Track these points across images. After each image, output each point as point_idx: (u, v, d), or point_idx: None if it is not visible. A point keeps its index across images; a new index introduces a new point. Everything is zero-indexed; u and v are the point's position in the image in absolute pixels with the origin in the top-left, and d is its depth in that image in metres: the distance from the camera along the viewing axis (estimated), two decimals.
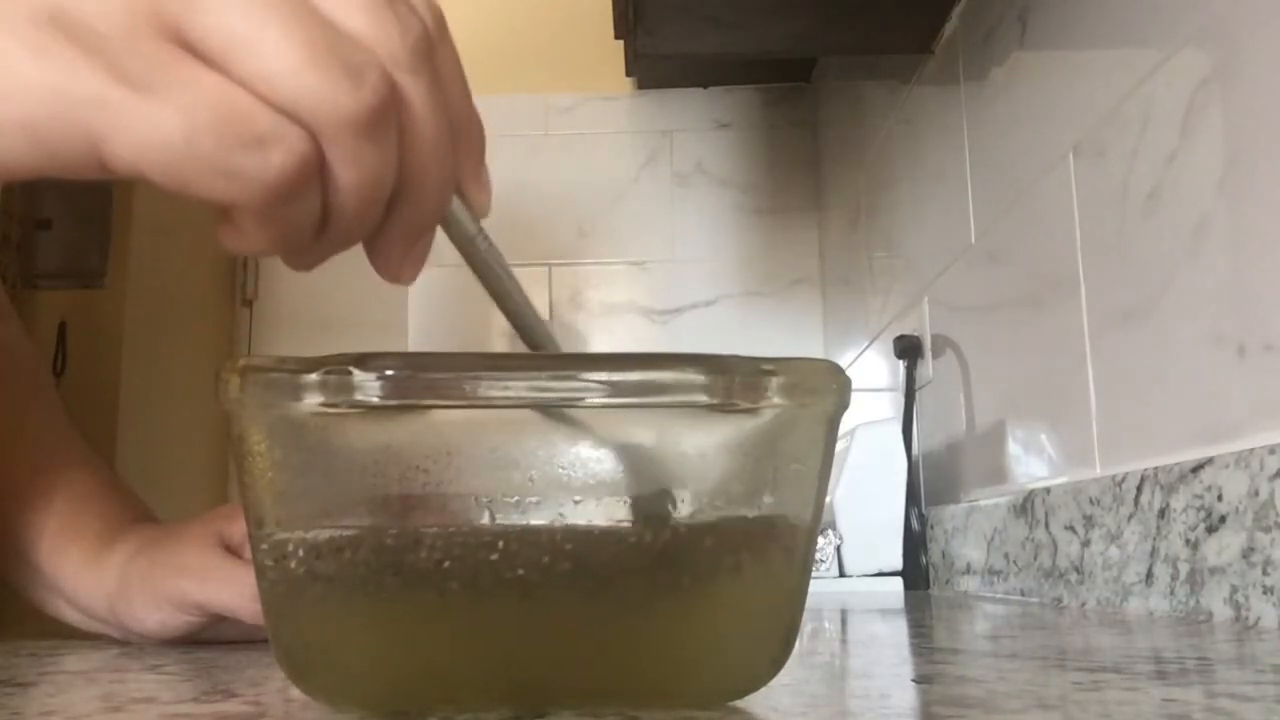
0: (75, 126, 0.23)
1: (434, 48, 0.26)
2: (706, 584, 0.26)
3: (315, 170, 0.24)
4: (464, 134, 0.28)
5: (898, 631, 0.58)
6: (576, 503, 0.27)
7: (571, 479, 0.27)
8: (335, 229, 0.25)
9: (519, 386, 0.25)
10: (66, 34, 0.22)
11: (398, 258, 0.27)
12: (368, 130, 0.24)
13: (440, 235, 0.29)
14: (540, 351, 0.30)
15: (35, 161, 0.23)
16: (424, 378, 0.25)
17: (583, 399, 0.25)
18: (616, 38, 1.44)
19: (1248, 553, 0.57)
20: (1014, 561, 0.91)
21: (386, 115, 0.24)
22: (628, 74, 1.82)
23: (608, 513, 0.27)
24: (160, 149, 0.22)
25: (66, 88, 0.22)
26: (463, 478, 0.27)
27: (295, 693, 0.29)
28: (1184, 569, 0.63)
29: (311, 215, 0.24)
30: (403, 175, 0.25)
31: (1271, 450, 0.55)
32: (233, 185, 0.23)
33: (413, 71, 0.25)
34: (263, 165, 0.23)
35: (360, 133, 0.23)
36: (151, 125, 0.22)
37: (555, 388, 0.25)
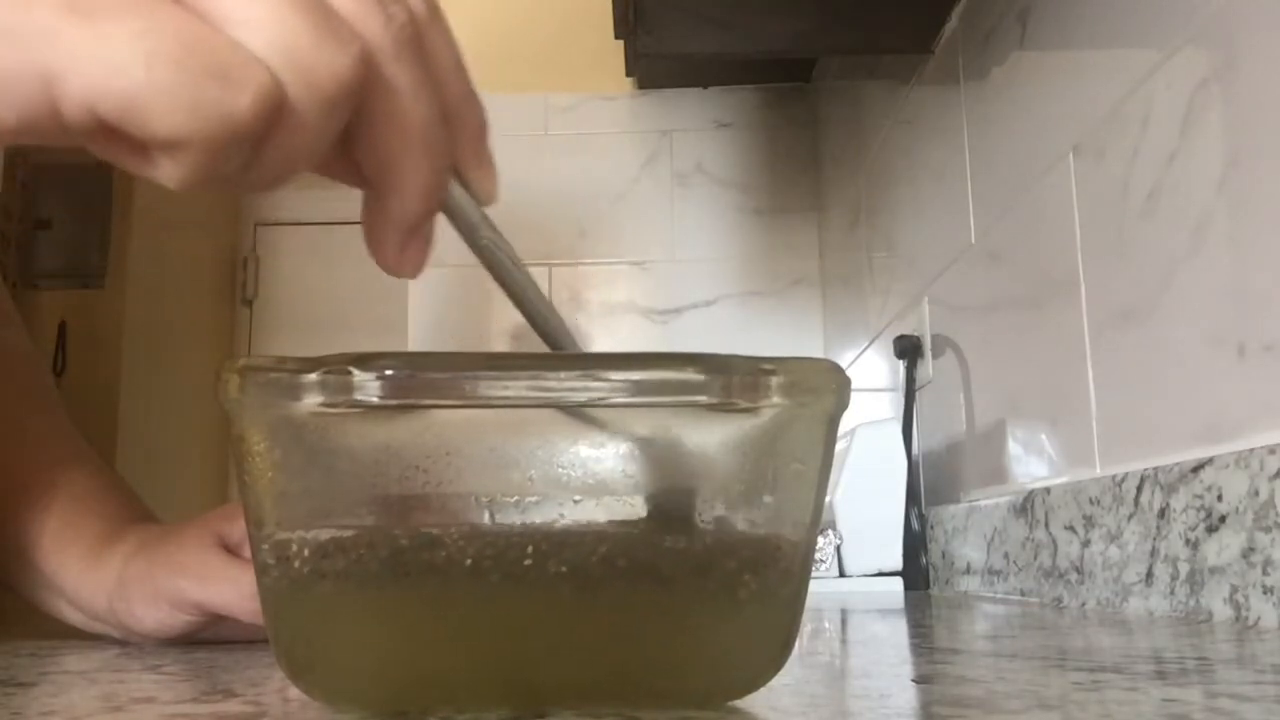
0: (26, 67, 0.21)
1: (422, 34, 0.26)
2: (706, 584, 0.26)
3: (276, 120, 0.23)
4: (461, 118, 0.27)
5: (898, 631, 0.58)
6: (576, 502, 0.27)
7: (571, 479, 0.27)
8: (253, 175, 0.24)
9: (519, 386, 0.25)
10: None
11: (394, 248, 0.27)
12: (339, 97, 0.23)
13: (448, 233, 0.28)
14: (555, 346, 0.30)
15: None
16: (424, 378, 0.25)
17: (582, 399, 0.25)
18: (616, 38, 1.45)
19: (1248, 553, 0.57)
20: (1014, 561, 0.91)
21: (356, 89, 0.23)
22: (628, 74, 1.82)
23: (608, 512, 0.27)
24: (117, 79, 0.21)
25: (14, 23, 0.21)
26: (462, 478, 0.27)
27: (295, 693, 0.29)
28: (1184, 569, 0.63)
29: (245, 159, 0.23)
30: (387, 162, 0.25)
31: (1271, 450, 0.55)
32: (192, 121, 0.21)
33: (396, 58, 0.24)
34: (230, 102, 0.22)
35: (330, 97, 0.23)
36: (108, 53, 0.21)
37: (555, 388, 0.25)
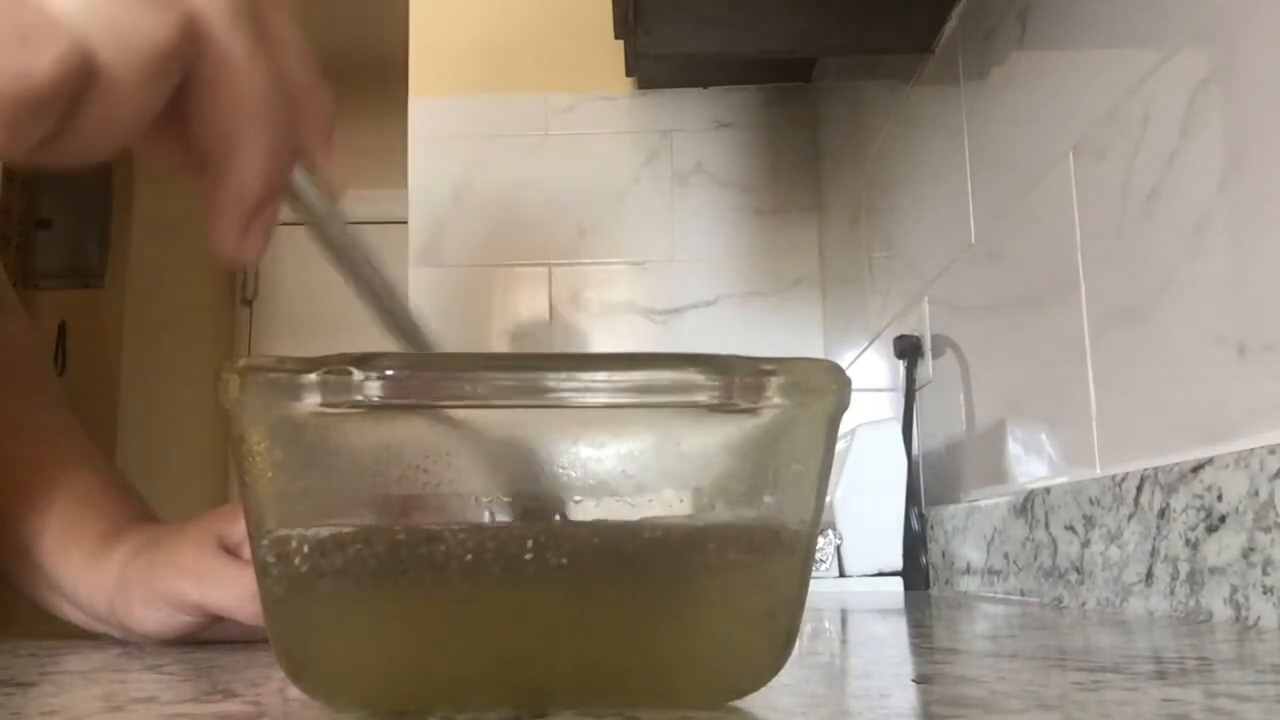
0: None
1: (262, 11, 0.24)
2: (706, 584, 0.26)
3: (82, 89, 0.21)
4: (306, 105, 0.26)
5: (898, 631, 0.58)
6: (576, 502, 0.27)
7: (571, 479, 0.27)
8: (66, 144, 0.22)
9: (519, 386, 0.25)
10: None
11: (234, 229, 0.25)
12: (158, 62, 0.21)
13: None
14: (413, 341, 0.28)
15: None
16: (424, 378, 0.25)
17: (582, 399, 0.25)
18: (616, 38, 1.44)
19: (1248, 553, 0.57)
20: (1014, 561, 0.91)
21: (180, 55, 0.22)
22: (628, 74, 1.82)
23: (608, 513, 0.27)
24: None
25: None
26: (463, 478, 0.27)
27: (295, 692, 0.29)
28: (1184, 569, 0.63)
29: (51, 127, 0.21)
30: (223, 133, 0.23)
31: (1271, 450, 0.55)
32: None
33: (231, 25, 0.23)
34: (26, 64, 0.20)
35: (148, 62, 0.21)
36: None
37: (555, 388, 0.25)
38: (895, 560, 1.11)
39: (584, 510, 0.27)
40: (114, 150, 0.23)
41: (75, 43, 0.20)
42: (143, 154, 0.25)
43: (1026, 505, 0.89)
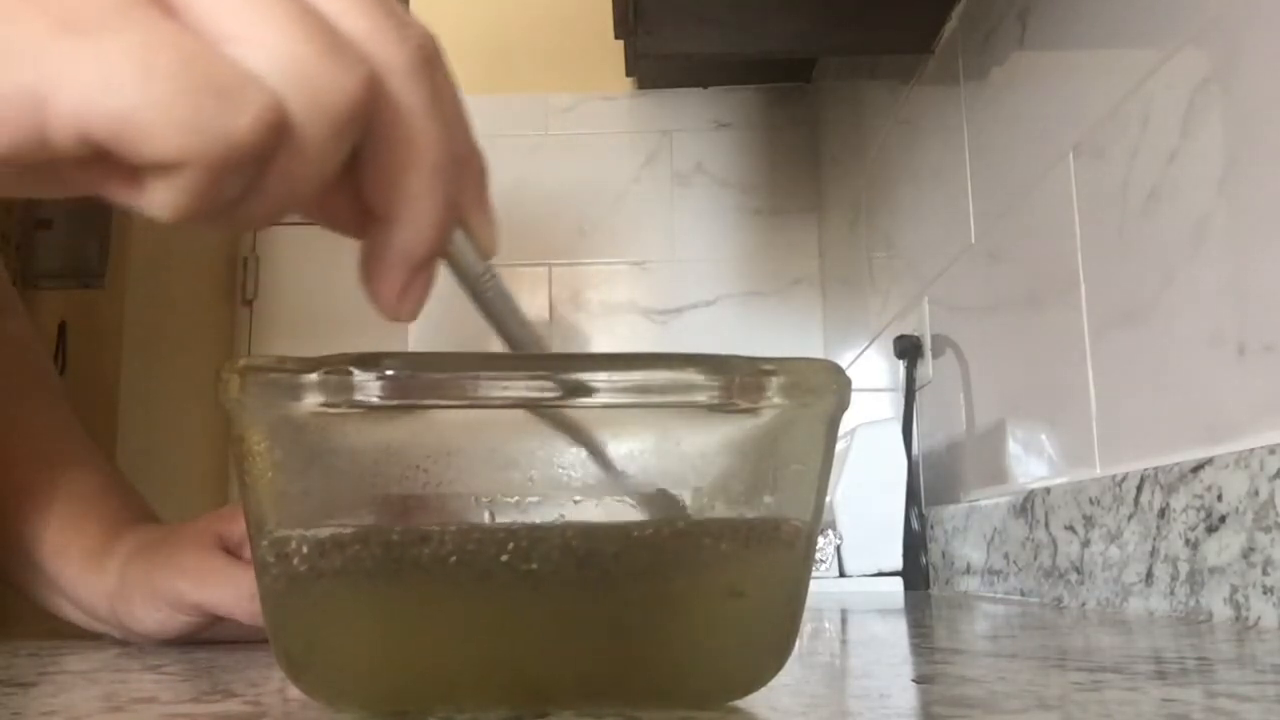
0: (13, 87, 0.20)
1: (435, 67, 0.24)
2: (707, 584, 0.26)
3: (278, 143, 0.21)
4: (466, 164, 0.26)
5: (898, 631, 0.58)
6: (576, 503, 0.27)
7: (571, 479, 0.27)
8: (252, 204, 0.22)
9: (519, 386, 0.25)
10: None
11: (396, 285, 0.25)
12: (346, 118, 0.22)
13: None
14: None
15: None
16: (424, 378, 0.25)
17: (583, 399, 0.25)
18: (616, 38, 1.45)
19: (1248, 553, 0.57)
20: (1014, 561, 0.91)
21: (365, 111, 0.22)
22: (628, 74, 1.83)
23: (608, 512, 0.27)
24: (110, 97, 0.20)
25: (4, 37, 0.20)
26: (463, 478, 0.27)
27: (295, 692, 0.29)
28: (1184, 569, 0.63)
29: (245, 185, 0.22)
30: (398, 185, 0.24)
31: (1271, 450, 0.55)
32: (189, 140, 0.20)
33: (411, 78, 0.23)
34: (229, 121, 0.20)
35: (337, 118, 0.22)
36: (101, 69, 0.20)
37: (555, 388, 0.25)
38: (895, 560, 1.11)
39: (584, 510, 0.27)
40: (293, 211, 0.23)
41: (274, 99, 0.21)
42: (307, 214, 0.25)
43: (1026, 505, 0.89)
